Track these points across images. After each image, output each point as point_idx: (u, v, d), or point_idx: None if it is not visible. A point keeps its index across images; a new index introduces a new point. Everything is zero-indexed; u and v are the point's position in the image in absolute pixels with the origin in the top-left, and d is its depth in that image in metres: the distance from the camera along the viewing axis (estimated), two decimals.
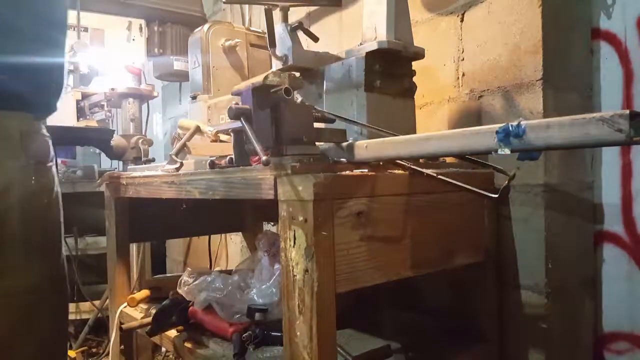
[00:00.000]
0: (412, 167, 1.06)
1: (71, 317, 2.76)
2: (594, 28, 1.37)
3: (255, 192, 0.98)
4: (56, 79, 1.11)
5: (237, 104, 1.01)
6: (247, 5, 2.34)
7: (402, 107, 1.23)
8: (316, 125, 1.05)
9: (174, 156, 1.25)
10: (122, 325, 1.46)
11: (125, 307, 1.60)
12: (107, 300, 1.80)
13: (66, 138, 2.44)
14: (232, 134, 1.13)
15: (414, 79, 1.26)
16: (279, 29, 1.26)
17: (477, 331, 1.30)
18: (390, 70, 1.19)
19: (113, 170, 2.10)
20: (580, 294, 1.36)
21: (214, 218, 1.94)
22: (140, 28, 2.35)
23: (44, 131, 1.11)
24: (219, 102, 1.54)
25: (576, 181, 1.34)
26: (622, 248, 1.34)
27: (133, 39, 2.33)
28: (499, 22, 1.35)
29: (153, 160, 2.40)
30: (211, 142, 1.34)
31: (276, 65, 1.28)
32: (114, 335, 1.64)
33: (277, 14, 1.33)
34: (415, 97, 1.27)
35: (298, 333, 0.90)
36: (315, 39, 1.36)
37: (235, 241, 2.68)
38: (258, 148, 0.95)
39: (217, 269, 1.65)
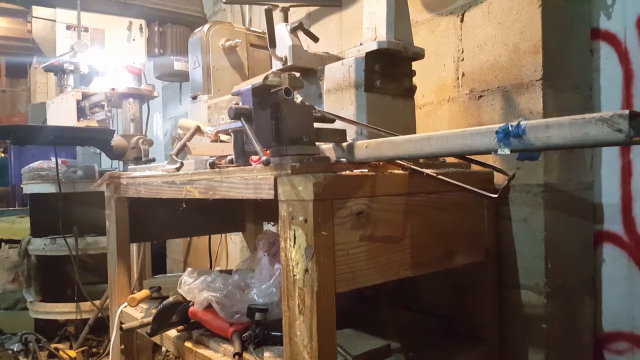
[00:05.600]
0: (412, 167, 1.06)
1: (71, 317, 2.77)
2: (594, 28, 1.37)
3: (255, 192, 0.99)
4: None
5: (237, 104, 1.01)
6: (247, 6, 2.35)
7: (402, 107, 1.23)
8: (316, 125, 1.05)
9: (174, 156, 1.26)
10: (123, 325, 1.46)
11: (125, 307, 1.60)
12: (108, 300, 1.80)
13: (66, 138, 2.45)
14: (232, 134, 1.14)
15: (414, 79, 1.26)
16: (279, 29, 1.26)
17: (477, 331, 1.30)
18: (390, 70, 1.19)
19: (113, 170, 2.10)
20: (580, 294, 1.36)
21: (214, 218, 1.94)
22: (141, 28, 2.35)
23: None
24: (219, 102, 1.54)
25: (576, 181, 1.34)
26: (622, 248, 1.34)
27: (133, 39, 2.33)
28: (499, 22, 1.35)
29: (153, 160, 2.41)
30: (211, 142, 1.34)
31: (276, 65, 1.28)
32: (114, 335, 1.64)
33: (277, 14, 1.33)
34: (415, 97, 1.27)
35: (298, 333, 0.91)
36: (315, 39, 1.36)
37: (235, 241, 2.68)
38: (258, 148, 0.95)
39: (217, 269, 1.66)
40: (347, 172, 0.97)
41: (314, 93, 1.30)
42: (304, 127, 1.00)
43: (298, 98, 1.01)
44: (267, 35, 1.23)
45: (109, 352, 1.76)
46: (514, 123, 0.74)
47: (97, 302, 2.64)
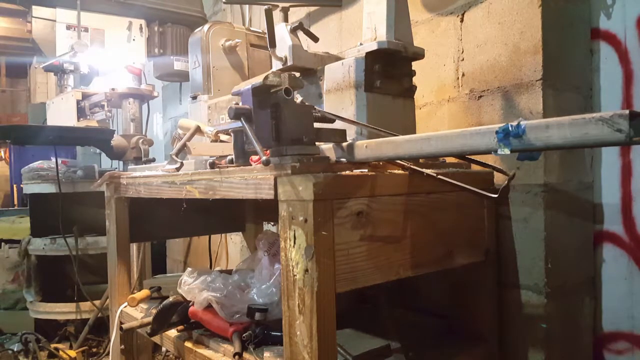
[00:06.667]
0: (412, 167, 1.06)
1: (71, 317, 2.77)
2: (594, 28, 1.38)
3: (255, 192, 0.99)
4: None
5: (237, 104, 1.01)
6: (247, 6, 2.34)
7: (402, 107, 1.23)
8: (316, 125, 1.05)
9: (174, 156, 1.26)
10: (123, 325, 1.46)
11: (125, 307, 1.60)
12: (108, 300, 1.80)
13: (67, 138, 2.44)
14: (232, 134, 1.14)
15: (414, 79, 1.26)
16: (279, 29, 1.26)
17: (477, 331, 1.30)
18: (390, 70, 1.19)
19: (113, 170, 2.10)
20: (580, 294, 1.36)
21: (214, 218, 1.94)
22: (141, 28, 2.35)
23: None
24: (219, 102, 1.54)
25: (576, 181, 1.34)
26: (622, 248, 1.34)
27: (133, 39, 2.33)
28: (499, 22, 1.35)
29: (153, 160, 2.41)
30: (211, 142, 1.34)
31: (276, 65, 1.28)
32: (114, 335, 1.64)
33: (277, 14, 1.33)
34: (415, 97, 1.27)
35: (298, 333, 0.91)
36: (315, 39, 1.36)
37: (235, 241, 2.68)
38: (258, 148, 0.95)
39: (217, 269, 1.65)
40: (347, 172, 0.97)
41: (314, 93, 1.30)
42: (304, 127, 1.00)
43: (298, 98, 1.01)
44: (267, 35, 1.23)
45: (109, 352, 1.76)
46: (514, 123, 0.74)
47: (97, 302, 2.63)
